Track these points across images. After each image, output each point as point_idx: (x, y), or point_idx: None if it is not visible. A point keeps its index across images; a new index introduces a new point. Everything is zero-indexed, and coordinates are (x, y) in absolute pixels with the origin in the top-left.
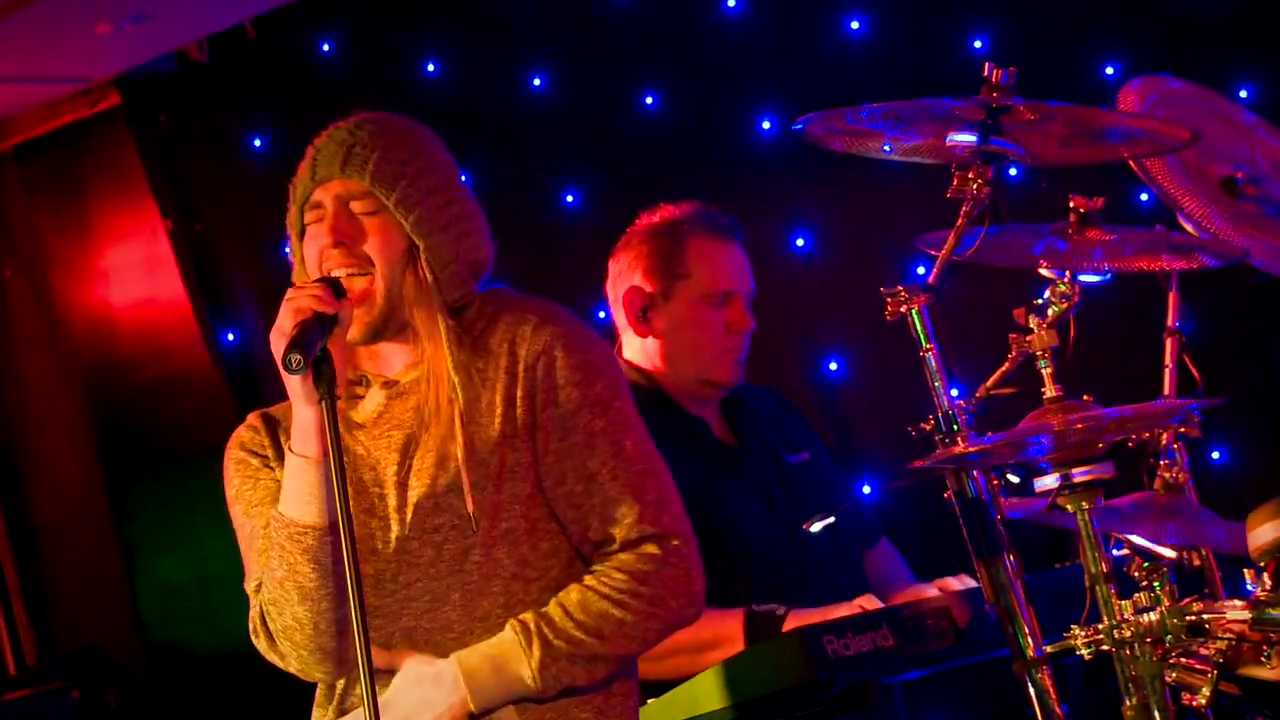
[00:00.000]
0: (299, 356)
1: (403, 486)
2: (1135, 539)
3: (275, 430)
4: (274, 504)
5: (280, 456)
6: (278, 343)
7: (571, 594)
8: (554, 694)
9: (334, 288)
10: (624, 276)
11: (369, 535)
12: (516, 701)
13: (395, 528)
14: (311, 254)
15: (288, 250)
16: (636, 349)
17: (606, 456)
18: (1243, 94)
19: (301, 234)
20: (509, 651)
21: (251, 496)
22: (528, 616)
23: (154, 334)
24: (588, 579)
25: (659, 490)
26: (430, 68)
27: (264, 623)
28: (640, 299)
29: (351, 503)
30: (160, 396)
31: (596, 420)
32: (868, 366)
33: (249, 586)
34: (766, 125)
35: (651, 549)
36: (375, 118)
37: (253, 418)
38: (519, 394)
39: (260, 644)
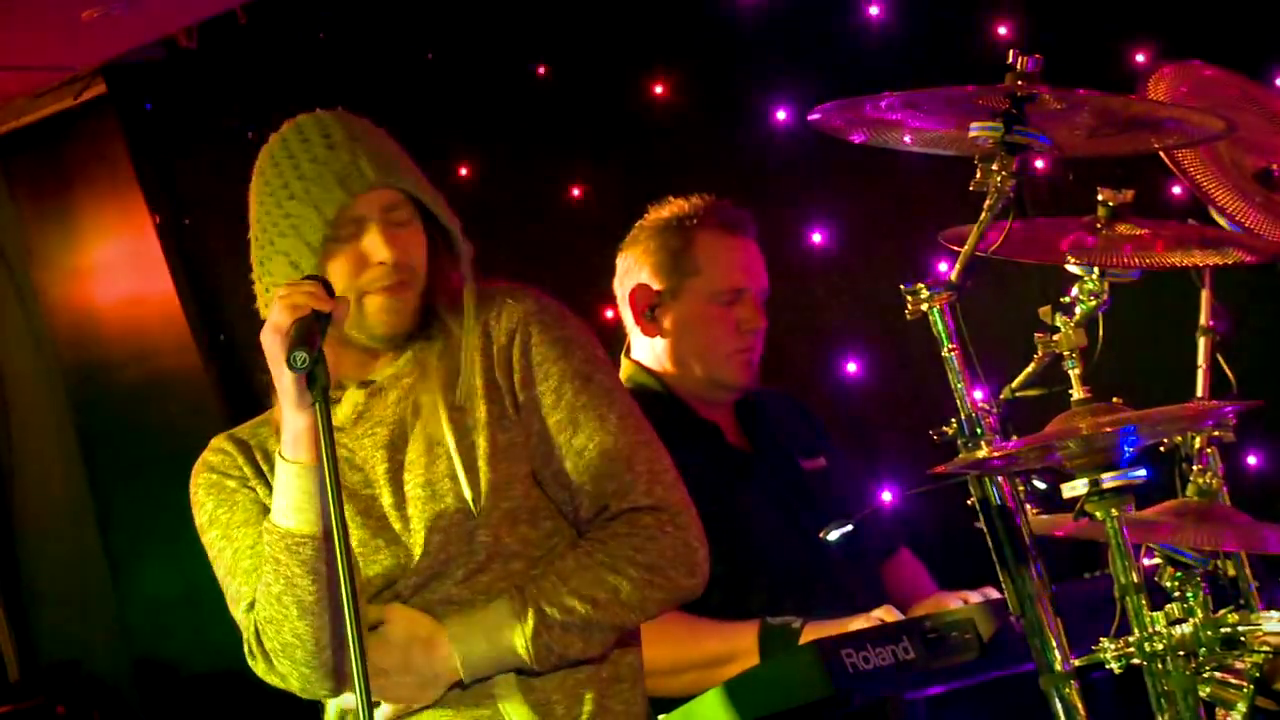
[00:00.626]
0: (304, 354)
1: (396, 482)
2: (1160, 545)
3: (249, 451)
4: (258, 523)
5: (259, 474)
6: (272, 341)
7: (566, 561)
8: (550, 666)
9: (326, 285)
10: (631, 273)
11: (369, 537)
12: (517, 672)
13: (396, 524)
14: (345, 271)
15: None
16: (645, 349)
17: (592, 430)
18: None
19: (320, 250)
20: (502, 620)
21: (230, 519)
22: (522, 584)
23: (141, 333)
24: (583, 544)
25: (650, 460)
26: (429, 55)
27: (260, 643)
28: (647, 297)
29: (347, 505)
30: (147, 398)
31: (579, 395)
32: (887, 367)
33: (238, 611)
34: (781, 115)
35: (647, 520)
36: (334, 117)
37: (220, 441)
38: (498, 374)
39: (258, 667)
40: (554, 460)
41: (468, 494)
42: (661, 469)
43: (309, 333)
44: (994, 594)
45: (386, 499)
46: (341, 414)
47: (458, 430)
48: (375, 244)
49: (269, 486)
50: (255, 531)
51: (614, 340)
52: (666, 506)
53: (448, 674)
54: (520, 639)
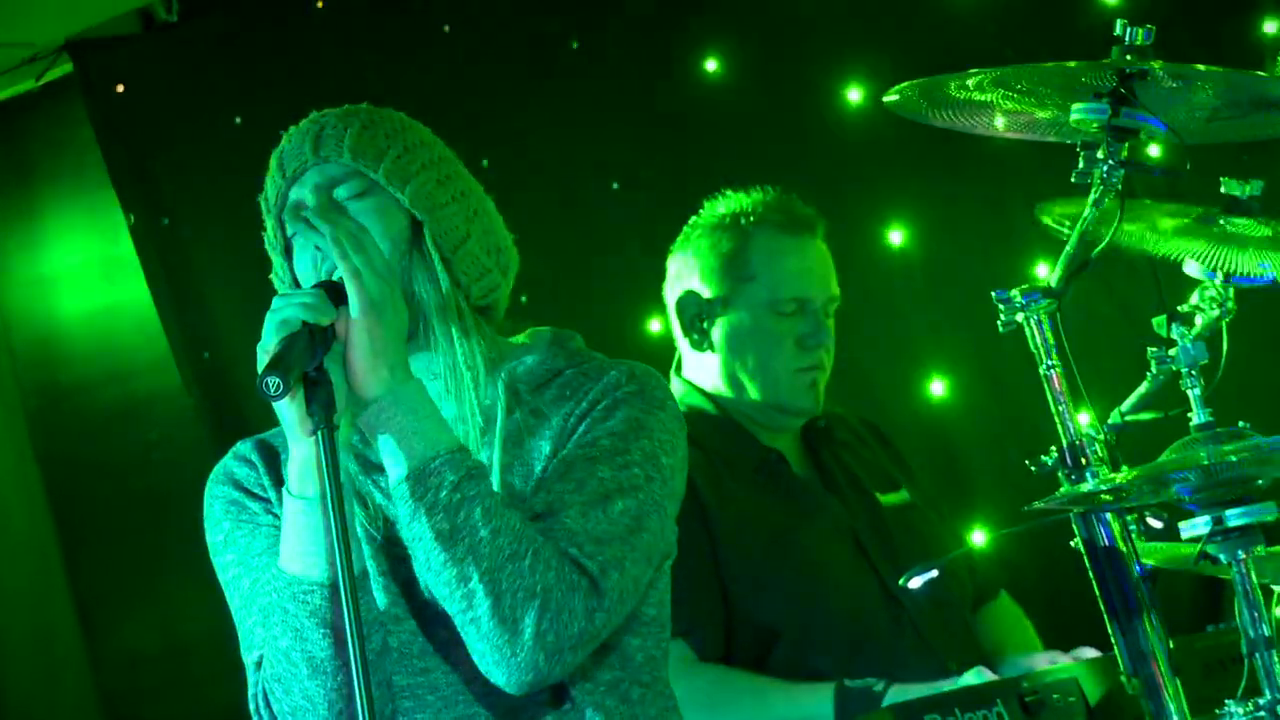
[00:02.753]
0: (278, 380)
1: None
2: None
3: (276, 463)
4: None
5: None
6: (261, 363)
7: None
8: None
9: (332, 293)
10: (680, 278)
11: (392, 601)
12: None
13: (425, 594)
14: (305, 267)
15: (275, 282)
16: (695, 366)
17: (586, 500)
18: None
19: (287, 252)
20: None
21: (250, 546)
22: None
23: (114, 350)
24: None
25: (624, 555)
26: (446, 28)
27: (268, 705)
28: (696, 306)
29: (370, 560)
30: (121, 425)
31: (604, 469)
32: (977, 387)
33: (247, 659)
34: (853, 96)
35: (579, 580)
36: (341, 108)
37: (245, 447)
38: (564, 442)
39: None
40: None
41: None
42: (632, 574)
43: (296, 352)
44: (1095, 654)
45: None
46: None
47: (510, 495)
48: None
49: None
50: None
51: (663, 358)
52: (606, 592)
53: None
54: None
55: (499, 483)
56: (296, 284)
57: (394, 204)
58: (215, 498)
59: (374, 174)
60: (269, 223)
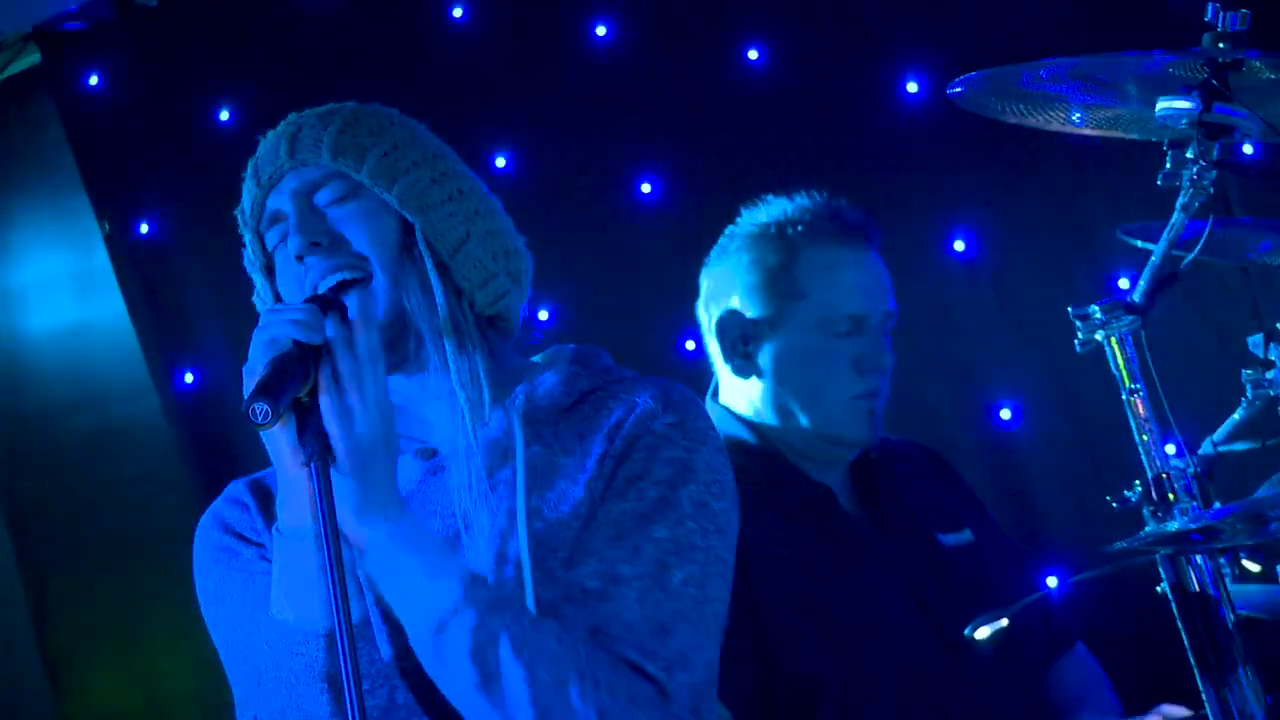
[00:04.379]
0: (266, 405)
1: None
2: None
3: (272, 505)
4: None
5: None
6: (248, 387)
7: (549, 622)
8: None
9: (328, 308)
10: (719, 296)
11: (398, 652)
12: None
13: None
14: (289, 283)
15: (256, 303)
16: (738, 392)
17: (646, 573)
18: None
19: (269, 268)
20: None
21: (243, 597)
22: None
23: (86, 373)
24: (566, 625)
25: (689, 639)
26: (457, 12)
27: None
28: (739, 326)
29: (372, 608)
30: (94, 457)
31: (659, 529)
32: (1051, 414)
33: None
34: (913, 88)
35: (648, 691)
36: (323, 107)
37: (237, 488)
38: (600, 486)
39: None
40: (581, 572)
41: None
42: (703, 663)
43: (287, 374)
44: (1184, 714)
45: None
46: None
47: (536, 549)
48: (291, 234)
49: None
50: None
51: (699, 381)
52: (674, 695)
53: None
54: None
55: (525, 528)
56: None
57: (382, 206)
58: (205, 544)
59: (357, 174)
60: (248, 238)
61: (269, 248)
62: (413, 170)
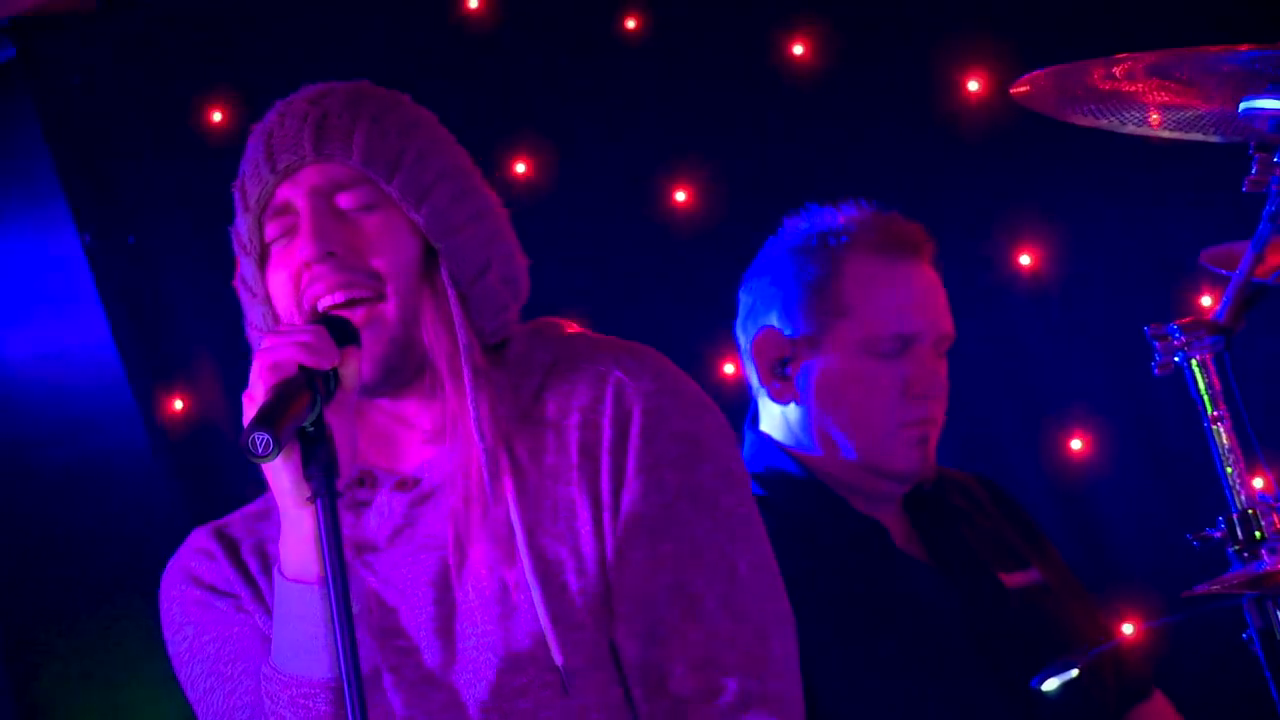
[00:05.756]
0: (266, 436)
1: (446, 635)
2: None
3: (237, 555)
4: (258, 657)
5: (256, 594)
6: (248, 415)
7: None
8: None
9: (335, 329)
10: (757, 313)
11: (406, 701)
12: None
13: (445, 693)
14: (283, 283)
15: (241, 291)
16: (777, 419)
17: (715, 577)
18: None
19: (263, 259)
20: None
21: (224, 652)
22: None
23: (65, 400)
24: None
25: (784, 640)
26: (473, 3)
27: None
28: (778, 346)
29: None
30: (73, 492)
31: (699, 519)
32: (1126, 444)
33: None
34: (973, 86)
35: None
36: (338, 86)
37: (203, 538)
38: (603, 482)
39: None
40: (655, 605)
41: (558, 658)
42: (790, 652)
43: (291, 402)
44: None
45: (435, 656)
46: (374, 525)
47: (540, 567)
48: (294, 242)
49: (268, 609)
50: (261, 669)
51: (736, 408)
52: (785, 704)
53: None
54: None
55: (527, 543)
56: (270, 298)
57: (406, 223)
58: (173, 600)
59: (386, 184)
60: (247, 222)
61: (268, 238)
62: (438, 184)
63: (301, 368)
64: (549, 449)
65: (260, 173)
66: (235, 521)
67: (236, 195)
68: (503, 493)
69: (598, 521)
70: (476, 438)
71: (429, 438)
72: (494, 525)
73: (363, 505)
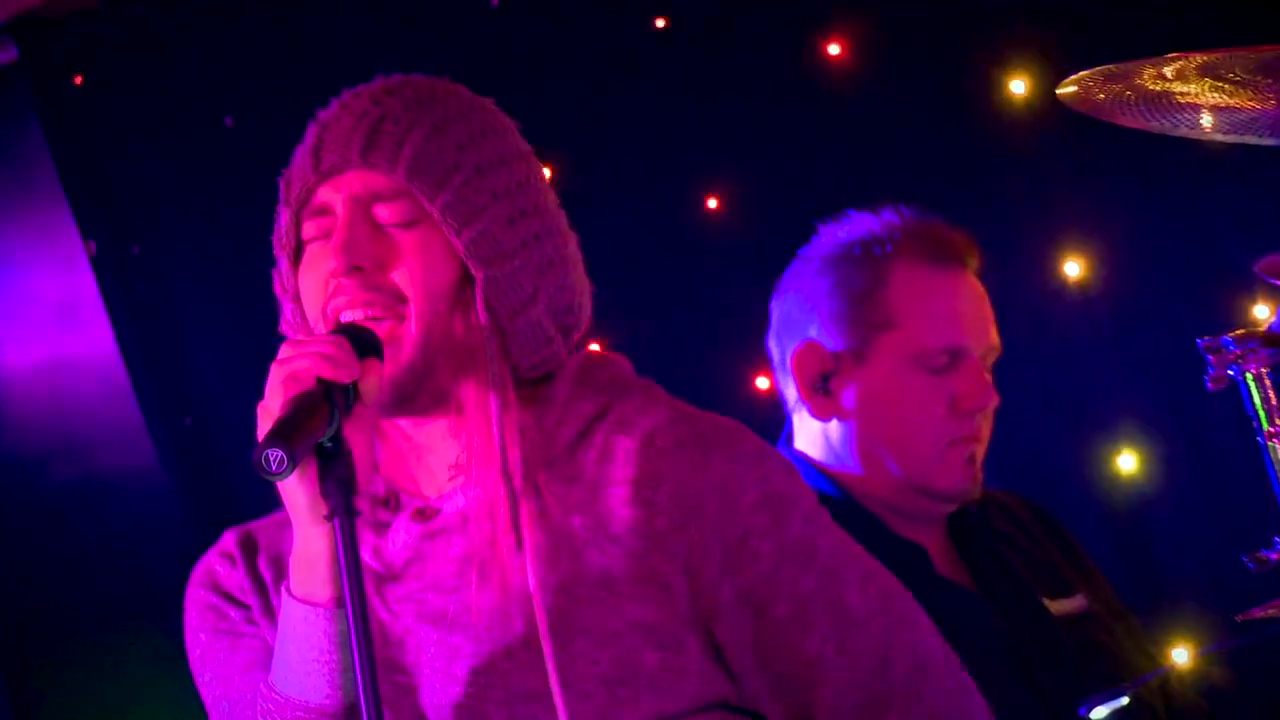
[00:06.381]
0: (281, 453)
1: (448, 680)
2: None
3: (254, 559)
4: (260, 674)
5: (266, 605)
6: (263, 429)
7: None
8: None
9: (357, 341)
10: (795, 326)
11: None
12: None
13: None
14: (312, 285)
15: (275, 283)
16: (815, 437)
17: (829, 629)
18: None
19: (298, 256)
20: None
21: (230, 661)
22: None
23: (70, 414)
24: None
25: (914, 643)
26: (493, 1)
27: None
28: (819, 361)
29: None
30: (79, 511)
31: (803, 577)
32: (1178, 461)
33: None
34: (1016, 87)
35: None
36: (414, 81)
37: (230, 541)
38: (658, 557)
39: None
40: (773, 664)
41: None
42: (929, 648)
43: (307, 415)
44: None
45: (430, 697)
46: (389, 553)
47: (556, 632)
48: (327, 247)
49: (276, 623)
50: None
51: (771, 424)
52: (938, 700)
53: None
54: None
55: (545, 604)
56: (299, 296)
57: (444, 245)
58: (193, 602)
59: (430, 202)
60: (285, 215)
61: (305, 237)
62: (490, 206)
63: (320, 380)
64: (580, 506)
65: (304, 168)
66: (263, 527)
67: (281, 184)
68: (525, 542)
69: (637, 596)
70: (501, 478)
71: (452, 468)
72: (511, 575)
73: (384, 526)
